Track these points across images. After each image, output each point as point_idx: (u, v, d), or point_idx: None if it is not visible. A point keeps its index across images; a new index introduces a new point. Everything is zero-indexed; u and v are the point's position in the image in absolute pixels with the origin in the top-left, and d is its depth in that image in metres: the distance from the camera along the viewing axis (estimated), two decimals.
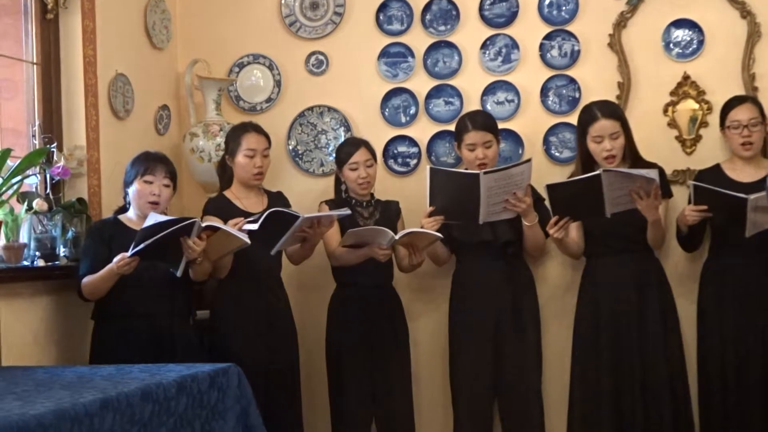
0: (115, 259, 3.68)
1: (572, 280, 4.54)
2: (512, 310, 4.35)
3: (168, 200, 3.99)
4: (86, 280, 3.80)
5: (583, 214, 4.13)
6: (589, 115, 4.27)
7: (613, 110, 4.31)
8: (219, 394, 3.15)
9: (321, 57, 4.99)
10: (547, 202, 4.14)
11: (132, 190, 3.95)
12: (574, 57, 4.74)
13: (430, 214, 4.15)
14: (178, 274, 3.75)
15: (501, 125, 4.63)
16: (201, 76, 4.88)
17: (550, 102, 4.77)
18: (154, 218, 3.66)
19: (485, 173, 4.04)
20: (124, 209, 4.05)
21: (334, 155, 4.63)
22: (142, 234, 3.60)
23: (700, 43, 4.60)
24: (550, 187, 4.05)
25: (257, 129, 4.34)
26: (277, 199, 4.37)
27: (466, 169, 4.39)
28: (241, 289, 4.19)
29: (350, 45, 4.94)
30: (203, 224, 3.75)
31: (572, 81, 4.74)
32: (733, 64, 4.56)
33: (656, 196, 4.01)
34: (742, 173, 4.26)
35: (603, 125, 4.22)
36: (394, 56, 4.91)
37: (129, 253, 3.63)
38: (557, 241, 4.28)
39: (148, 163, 3.95)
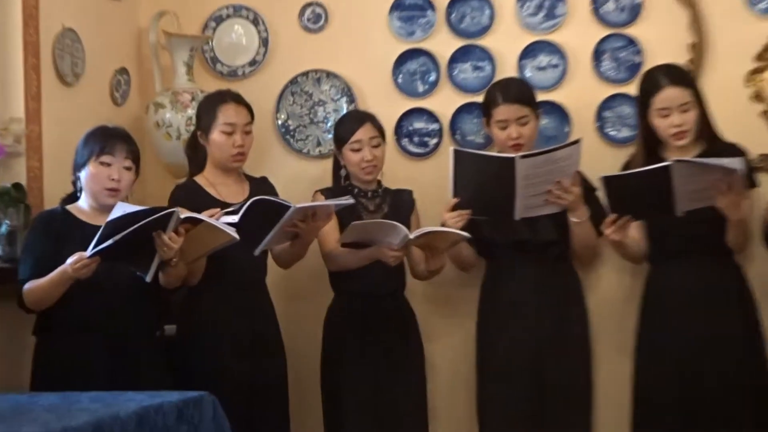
0: (70, 260, 3.67)
1: (631, 291, 4.56)
2: (556, 328, 4.37)
3: (129, 186, 4.01)
4: (29, 285, 3.81)
5: (648, 212, 4.15)
6: (652, 82, 4.29)
7: (683, 76, 4.33)
8: (189, 429, 3.14)
9: (319, 9, 5.01)
10: (600, 194, 4.16)
11: (84, 174, 3.96)
12: (635, 12, 4.76)
13: (454, 208, 4.17)
14: (148, 278, 3.77)
15: (542, 96, 4.66)
16: (169, 33, 4.90)
17: (604, 67, 4.79)
18: (122, 208, 3.66)
19: (522, 157, 4.06)
20: (73, 197, 4.06)
21: (332, 132, 4.66)
22: (107, 228, 3.60)
23: None
24: (607, 180, 4.07)
25: (237, 99, 4.37)
26: (261, 186, 4.40)
27: (499, 151, 4.41)
28: (217, 299, 4.22)
29: None
30: (182, 216, 3.76)
31: (632, 42, 4.75)
32: None
33: (740, 191, 4.02)
34: None
35: (670, 94, 4.23)
36: (409, 8, 4.93)
37: (88, 253, 3.63)
38: (614, 243, 4.29)
39: (105, 140, 3.96)
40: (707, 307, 4.24)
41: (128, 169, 3.98)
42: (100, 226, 3.67)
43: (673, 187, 3.96)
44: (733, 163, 3.98)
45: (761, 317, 4.34)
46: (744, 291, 4.33)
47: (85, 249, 3.65)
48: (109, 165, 3.94)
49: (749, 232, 4.30)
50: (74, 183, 4.05)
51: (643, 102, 4.31)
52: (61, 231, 3.90)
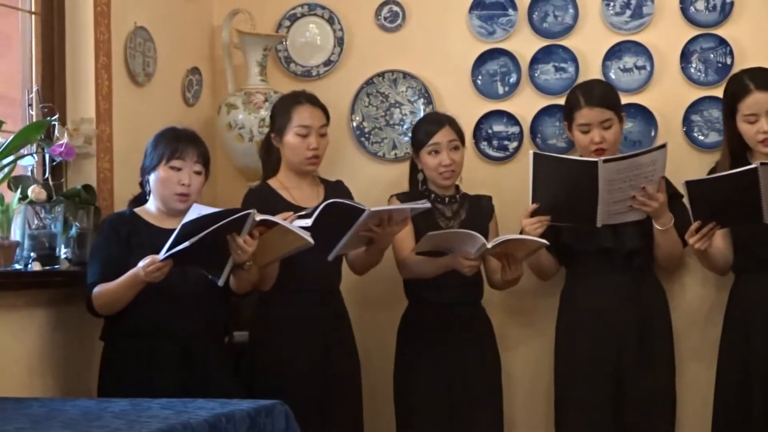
0: (143, 263, 3.69)
1: (716, 302, 4.53)
2: (639, 339, 4.34)
3: (199, 191, 4.02)
4: (99, 289, 3.83)
5: (734, 219, 4.11)
6: (740, 85, 4.26)
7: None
8: None
9: (396, 8, 5.01)
10: (686, 201, 4.11)
11: (154, 177, 3.98)
12: (726, 11, 4.73)
13: (533, 214, 4.16)
14: (220, 282, 3.78)
15: (628, 99, 4.65)
16: (242, 32, 4.91)
17: (693, 69, 4.76)
18: (198, 210, 3.67)
19: (605, 161, 4.04)
20: (141, 200, 4.08)
21: (409, 135, 4.64)
22: (182, 231, 3.60)
23: None
24: (691, 185, 4.03)
25: (312, 100, 4.37)
26: (336, 190, 4.40)
27: (581, 156, 4.37)
28: (290, 306, 4.23)
29: None
30: (257, 218, 3.76)
31: (723, 42, 4.72)
32: None
33: None
34: None
35: (758, 99, 4.20)
36: (490, 7, 4.93)
37: (161, 256, 3.65)
38: (699, 252, 4.24)
39: (176, 143, 3.98)
40: None
41: (198, 173, 3.99)
42: (169, 230, 3.70)
43: (760, 192, 3.92)
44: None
45: None
46: None
47: (153, 252, 3.67)
48: (179, 170, 3.95)
49: None
50: (142, 185, 4.07)
51: (730, 106, 4.29)
52: (129, 234, 3.92)
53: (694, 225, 4.07)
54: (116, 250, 3.87)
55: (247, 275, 3.90)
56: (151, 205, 4.02)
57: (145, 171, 4.02)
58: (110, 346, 3.95)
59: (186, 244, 3.58)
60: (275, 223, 3.80)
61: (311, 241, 3.80)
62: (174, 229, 3.64)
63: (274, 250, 3.89)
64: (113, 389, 3.80)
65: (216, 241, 3.64)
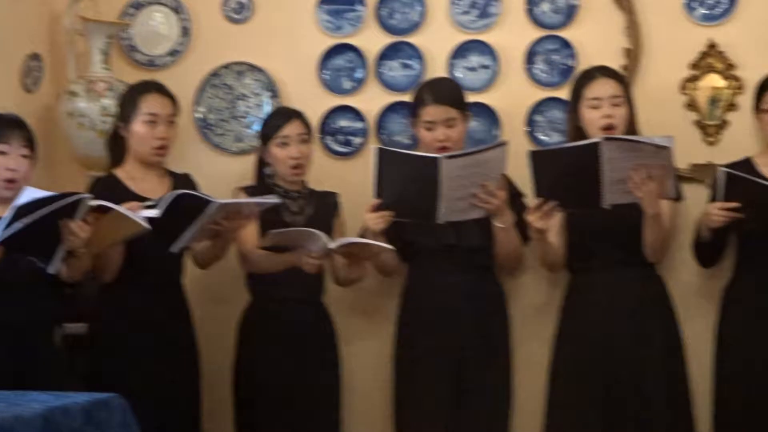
0: None
1: (550, 300, 4.65)
2: (478, 337, 4.43)
3: (27, 175, 3.99)
4: None
5: (575, 200, 4.17)
6: (586, 76, 4.41)
7: (615, 73, 4.46)
8: None
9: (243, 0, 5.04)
10: (524, 188, 4.22)
11: None
12: (570, 14, 4.83)
13: (376, 209, 4.21)
14: (51, 270, 3.76)
15: (473, 97, 4.72)
16: (85, 18, 4.89)
17: (537, 70, 4.85)
18: (30, 193, 3.63)
19: (448, 158, 4.09)
20: None
21: (256, 128, 4.68)
22: (15, 214, 3.57)
23: (731, 2, 4.72)
24: (535, 156, 4.11)
25: (161, 89, 4.40)
26: (183, 183, 4.40)
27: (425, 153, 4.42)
28: (131, 298, 4.24)
29: None
30: (92, 203, 3.74)
31: (567, 45, 4.82)
32: None
33: (666, 172, 4.08)
34: None
35: (603, 85, 4.35)
36: (337, 2, 4.96)
37: None
38: (539, 242, 4.35)
39: None
40: (629, 316, 4.34)
41: (25, 156, 3.98)
42: None
43: (600, 171, 4.01)
44: (663, 140, 4.06)
45: (681, 329, 4.45)
46: (666, 301, 4.45)
47: None
48: (5, 154, 3.94)
49: (666, 237, 4.39)
50: None
51: (575, 96, 4.40)
52: None
53: (535, 202, 4.14)
54: None
55: (79, 263, 3.89)
56: None
57: None
58: None
59: (18, 225, 3.54)
60: (110, 209, 3.79)
61: (147, 225, 3.82)
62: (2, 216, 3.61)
63: (108, 236, 3.88)
64: None
65: (48, 226, 3.62)
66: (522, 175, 4.28)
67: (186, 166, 4.63)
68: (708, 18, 4.75)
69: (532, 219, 4.18)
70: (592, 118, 4.35)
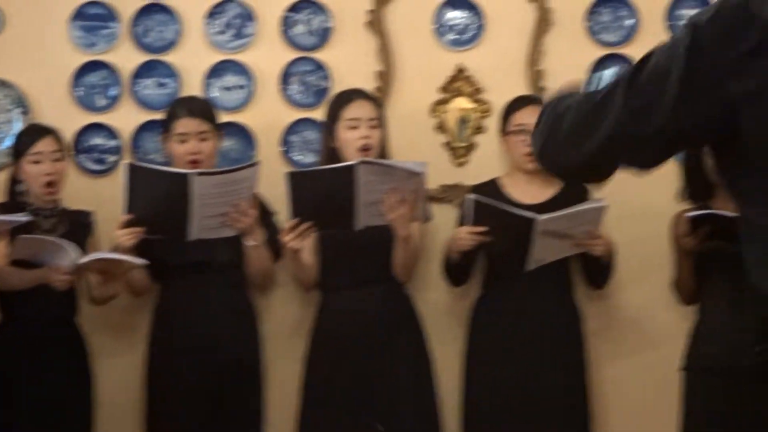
0: None
1: (302, 318, 4.72)
2: (233, 353, 4.48)
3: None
4: None
5: (330, 221, 4.25)
6: (344, 97, 4.51)
7: (371, 96, 4.59)
8: None
9: None
10: (276, 206, 4.31)
11: None
12: (324, 36, 4.93)
13: (126, 225, 4.21)
14: None
15: (229, 117, 4.81)
16: None
17: (292, 91, 4.93)
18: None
19: (200, 174, 4.14)
20: None
21: (7, 144, 4.63)
22: None
23: (479, 29, 4.91)
24: (293, 177, 4.17)
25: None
26: None
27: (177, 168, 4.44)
28: None
29: None
30: None
31: (321, 66, 4.92)
32: (517, 57, 4.90)
33: (419, 196, 4.23)
34: (525, 192, 4.54)
35: (361, 107, 4.46)
36: (92, 18, 4.94)
37: None
38: (293, 261, 4.44)
39: None
40: (377, 335, 4.43)
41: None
42: None
43: (355, 194, 4.11)
44: (417, 165, 4.20)
45: (428, 344, 4.58)
46: (414, 320, 4.57)
47: None
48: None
49: (415, 257, 4.52)
50: None
51: (331, 117, 4.48)
52: None
53: (290, 222, 4.20)
54: None
55: None
56: None
57: None
58: None
59: None
60: None
61: None
62: None
63: None
64: None
65: None
66: (276, 194, 4.35)
67: None
68: (457, 43, 4.93)
69: (287, 239, 4.24)
70: (350, 138, 4.43)
